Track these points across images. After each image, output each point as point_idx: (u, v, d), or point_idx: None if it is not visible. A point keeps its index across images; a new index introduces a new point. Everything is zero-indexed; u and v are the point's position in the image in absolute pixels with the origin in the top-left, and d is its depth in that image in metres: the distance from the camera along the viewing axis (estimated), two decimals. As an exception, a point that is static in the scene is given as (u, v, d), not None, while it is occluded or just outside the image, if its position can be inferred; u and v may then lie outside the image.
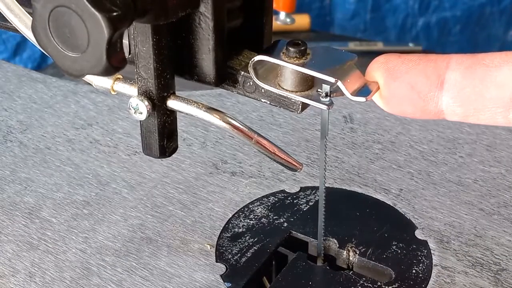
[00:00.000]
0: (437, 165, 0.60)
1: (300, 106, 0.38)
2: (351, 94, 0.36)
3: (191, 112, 0.39)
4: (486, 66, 0.34)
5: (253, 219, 0.54)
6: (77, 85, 0.73)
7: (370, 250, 0.51)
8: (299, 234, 0.53)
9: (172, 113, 0.40)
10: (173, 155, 0.42)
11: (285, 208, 0.55)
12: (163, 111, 0.39)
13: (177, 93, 0.40)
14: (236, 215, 0.55)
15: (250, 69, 0.37)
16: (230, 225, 0.54)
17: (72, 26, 0.32)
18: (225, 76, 0.39)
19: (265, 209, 0.55)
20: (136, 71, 0.38)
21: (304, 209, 0.55)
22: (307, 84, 0.37)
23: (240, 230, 0.53)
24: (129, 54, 0.39)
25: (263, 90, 0.38)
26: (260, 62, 0.37)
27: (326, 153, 0.45)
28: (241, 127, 0.40)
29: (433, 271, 0.49)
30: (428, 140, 0.63)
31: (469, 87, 0.34)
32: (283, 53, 0.37)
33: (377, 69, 0.36)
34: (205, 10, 0.36)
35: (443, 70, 0.35)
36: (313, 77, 0.37)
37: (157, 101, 0.38)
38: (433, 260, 0.50)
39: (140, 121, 0.39)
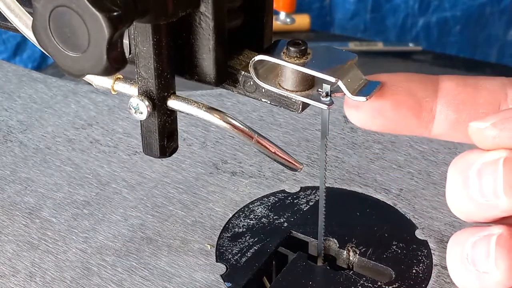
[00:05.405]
0: (437, 165, 0.60)
1: (300, 106, 0.38)
2: (352, 94, 0.36)
3: (191, 112, 0.39)
4: (476, 78, 0.37)
5: (253, 219, 0.54)
6: (77, 85, 0.73)
7: (370, 250, 0.51)
8: (299, 234, 0.53)
9: (173, 113, 0.40)
10: (173, 155, 0.42)
11: (285, 208, 0.55)
12: (163, 111, 0.39)
13: (177, 93, 0.40)
14: (236, 215, 0.55)
15: (251, 69, 0.37)
16: (230, 225, 0.54)
17: (73, 26, 0.32)
18: (226, 76, 0.39)
19: (265, 209, 0.55)
20: (137, 71, 0.38)
21: (304, 209, 0.55)
22: (308, 83, 0.37)
23: (240, 230, 0.53)
24: (130, 54, 0.39)
25: (263, 90, 0.38)
26: (261, 62, 0.37)
27: (326, 153, 0.45)
28: (242, 127, 0.40)
29: (433, 271, 0.49)
30: (428, 140, 0.63)
31: (463, 93, 0.37)
32: (283, 53, 0.37)
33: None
34: (206, 10, 0.36)
35: (437, 80, 0.38)
36: (313, 77, 0.37)
37: (158, 101, 0.39)
38: (433, 260, 0.50)
39: (141, 121, 0.39)
